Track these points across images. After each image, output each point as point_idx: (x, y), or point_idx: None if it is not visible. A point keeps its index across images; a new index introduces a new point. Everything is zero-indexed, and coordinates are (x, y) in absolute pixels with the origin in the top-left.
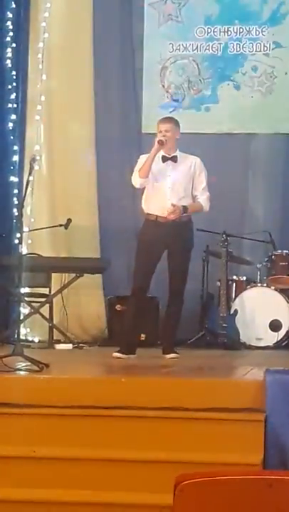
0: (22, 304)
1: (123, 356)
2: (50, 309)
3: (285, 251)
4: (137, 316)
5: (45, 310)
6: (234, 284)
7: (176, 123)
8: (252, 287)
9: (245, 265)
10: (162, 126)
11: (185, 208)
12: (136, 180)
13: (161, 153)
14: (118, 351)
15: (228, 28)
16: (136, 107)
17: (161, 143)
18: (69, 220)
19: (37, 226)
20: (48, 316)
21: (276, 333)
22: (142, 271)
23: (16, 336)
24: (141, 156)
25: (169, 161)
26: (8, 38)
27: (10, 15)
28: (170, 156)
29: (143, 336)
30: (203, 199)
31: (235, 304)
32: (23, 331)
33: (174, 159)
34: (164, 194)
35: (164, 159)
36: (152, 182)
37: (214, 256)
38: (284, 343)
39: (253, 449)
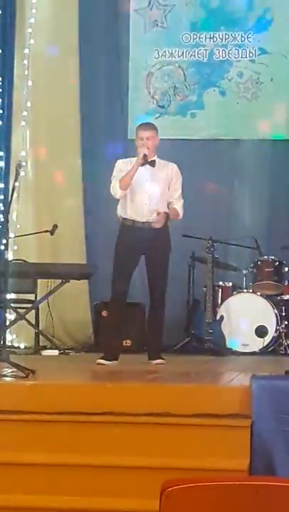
0: (8, 309)
1: (106, 362)
2: (36, 315)
3: (271, 257)
4: (119, 321)
5: (31, 316)
6: (220, 290)
7: (156, 129)
8: (238, 293)
9: (231, 271)
10: (143, 133)
11: (167, 215)
12: (116, 192)
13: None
14: (101, 357)
15: (213, 35)
16: (122, 113)
17: (145, 157)
18: (55, 226)
19: (23, 232)
20: (34, 322)
21: (262, 339)
22: (120, 276)
23: (1, 342)
24: (118, 162)
25: (148, 166)
26: None
27: None
28: (149, 161)
29: (129, 342)
30: (179, 206)
31: (221, 310)
32: (9, 337)
33: (152, 164)
34: (142, 199)
35: (142, 163)
36: (130, 187)
37: (200, 262)
38: (270, 349)
39: (239, 455)
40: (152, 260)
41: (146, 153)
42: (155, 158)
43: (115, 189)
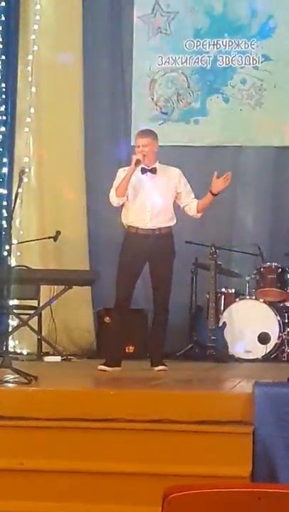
0: (11, 316)
1: (108, 369)
2: (39, 321)
3: (273, 263)
4: (122, 328)
5: (33, 322)
6: (223, 297)
7: (154, 135)
8: (241, 300)
9: (234, 278)
10: (140, 140)
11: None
12: (113, 199)
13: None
14: (103, 364)
15: (217, 41)
16: (125, 120)
17: (138, 163)
18: (58, 233)
19: (26, 238)
20: (36, 328)
21: (265, 346)
22: (124, 283)
23: (4, 348)
24: (119, 170)
25: (149, 173)
26: None
27: None
28: (149, 168)
29: (132, 349)
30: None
31: (224, 317)
32: (11, 343)
33: (153, 171)
34: (144, 206)
35: (143, 171)
36: (132, 194)
37: (203, 268)
38: (272, 356)
39: (242, 462)
40: (156, 267)
41: (139, 158)
42: (156, 165)
43: (112, 197)
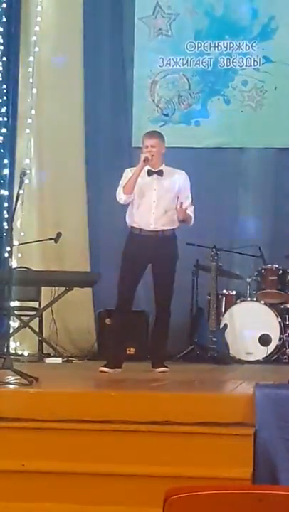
0: (12, 317)
1: (109, 370)
2: (40, 323)
3: (274, 265)
4: (123, 330)
5: (34, 324)
6: (224, 299)
7: (162, 137)
8: (242, 301)
9: (235, 279)
10: (148, 141)
11: (184, 215)
12: (120, 197)
13: (147, 167)
14: (104, 365)
15: (218, 43)
16: (126, 121)
17: (147, 160)
18: (59, 234)
19: (27, 240)
20: (37, 330)
21: (266, 348)
22: (126, 284)
23: (5, 350)
24: (126, 170)
25: (155, 175)
26: None
27: (0, 29)
28: (156, 170)
29: (132, 350)
30: (191, 211)
31: (225, 318)
32: (12, 344)
33: (160, 173)
34: (149, 208)
35: (150, 173)
36: (138, 195)
37: (204, 270)
38: (273, 358)
39: (243, 464)
40: (159, 269)
41: (148, 156)
42: (162, 167)
43: (120, 194)
